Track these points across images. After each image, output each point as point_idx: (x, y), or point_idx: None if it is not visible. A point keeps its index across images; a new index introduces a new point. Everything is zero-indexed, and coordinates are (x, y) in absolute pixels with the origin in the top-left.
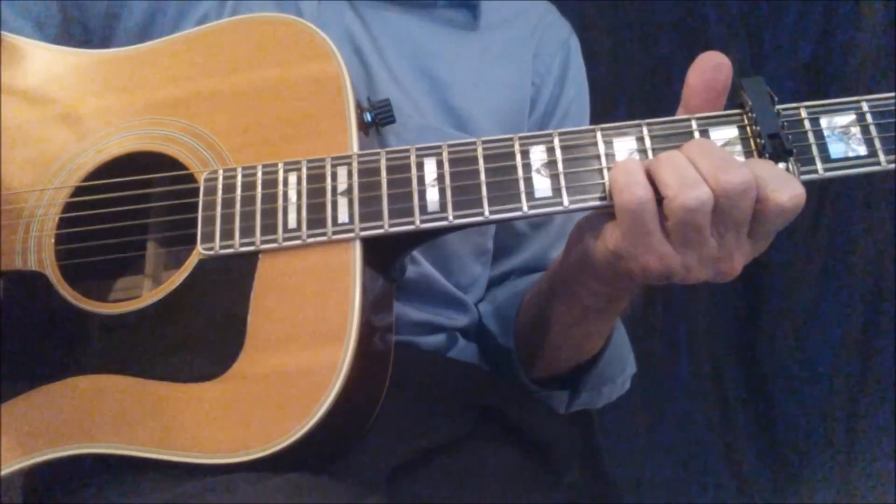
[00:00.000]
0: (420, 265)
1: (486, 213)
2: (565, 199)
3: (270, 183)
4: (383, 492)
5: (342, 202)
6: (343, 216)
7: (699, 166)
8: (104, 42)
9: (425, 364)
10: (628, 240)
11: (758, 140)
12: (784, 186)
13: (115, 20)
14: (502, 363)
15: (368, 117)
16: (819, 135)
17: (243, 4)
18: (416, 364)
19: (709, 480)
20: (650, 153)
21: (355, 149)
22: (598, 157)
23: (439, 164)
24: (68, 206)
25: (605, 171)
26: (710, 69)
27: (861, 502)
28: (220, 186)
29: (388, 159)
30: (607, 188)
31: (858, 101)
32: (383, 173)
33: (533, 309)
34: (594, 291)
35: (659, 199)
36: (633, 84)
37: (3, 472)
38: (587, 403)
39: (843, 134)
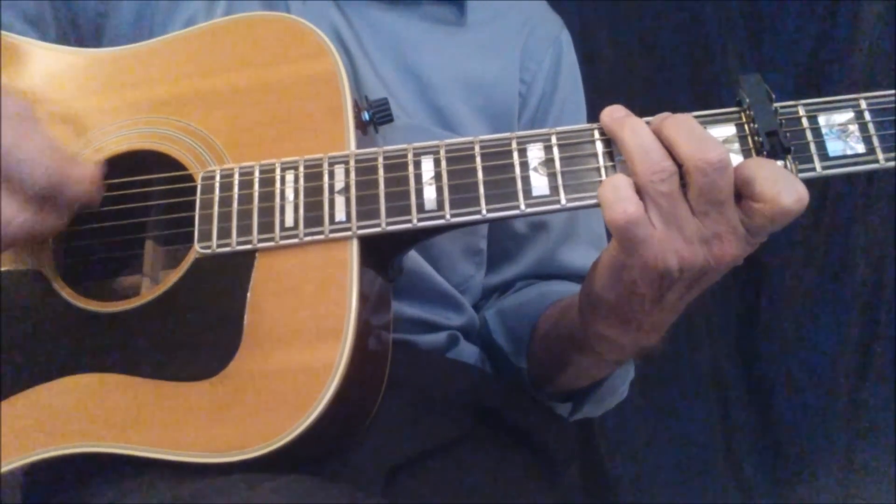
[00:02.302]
0: (413, 262)
1: (484, 211)
2: (563, 198)
3: (268, 181)
4: (382, 492)
5: (339, 201)
6: (340, 215)
7: (674, 142)
8: (95, 42)
9: (424, 364)
10: (622, 248)
11: (756, 138)
12: (789, 189)
13: (104, 19)
14: (510, 375)
15: (366, 116)
16: (817, 132)
17: (235, 4)
18: (415, 364)
19: (709, 480)
20: None
21: (353, 147)
22: (595, 155)
23: (436, 163)
24: None
25: (603, 171)
26: None
27: (861, 502)
28: (217, 185)
29: (385, 158)
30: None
31: (857, 99)
32: (380, 172)
33: (553, 349)
34: (614, 343)
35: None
36: (633, 84)
37: (3, 470)
38: (589, 413)
39: (841, 132)
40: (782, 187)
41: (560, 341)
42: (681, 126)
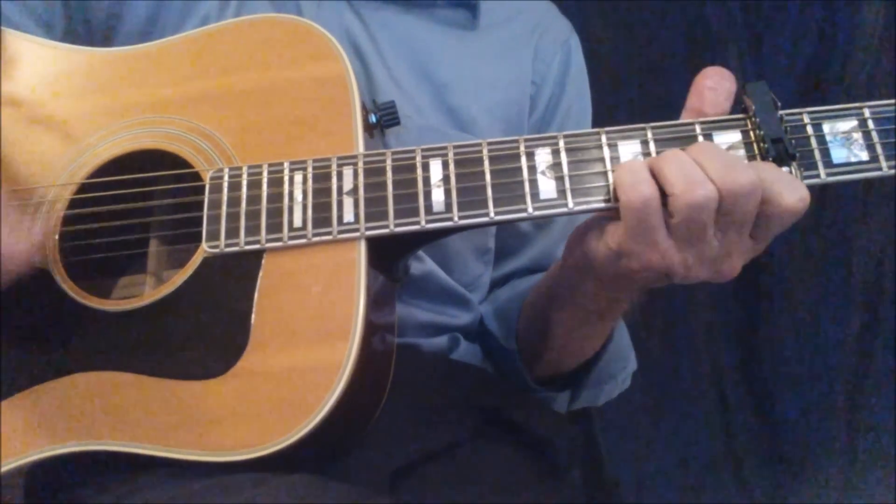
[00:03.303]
0: (424, 262)
1: (492, 213)
2: (570, 201)
3: (276, 182)
4: (386, 492)
5: (348, 202)
6: (348, 216)
7: (705, 167)
8: (106, 41)
9: (427, 366)
10: (631, 237)
11: (761, 144)
12: (791, 189)
13: (117, 20)
14: (505, 364)
15: (373, 118)
16: (821, 140)
17: (246, 5)
18: (419, 366)
19: (709, 480)
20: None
21: (361, 149)
22: (602, 160)
23: (445, 165)
24: (73, 203)
25: (610, 174)
26: (716, 74)
27: (861, 502)
28: (225, 185)
29: (393, 160)
30: (611, 190)
31: (860, 108)
32: (389, 173)
33: (534, 312)
34: (595, 296)
35: (663, 200)
36: (633, 84)
37: (4, 469)
38: (588, 401)
39: (845, 139)
40: (784, 188)
41: (540, 299)
42: (706, 151)
